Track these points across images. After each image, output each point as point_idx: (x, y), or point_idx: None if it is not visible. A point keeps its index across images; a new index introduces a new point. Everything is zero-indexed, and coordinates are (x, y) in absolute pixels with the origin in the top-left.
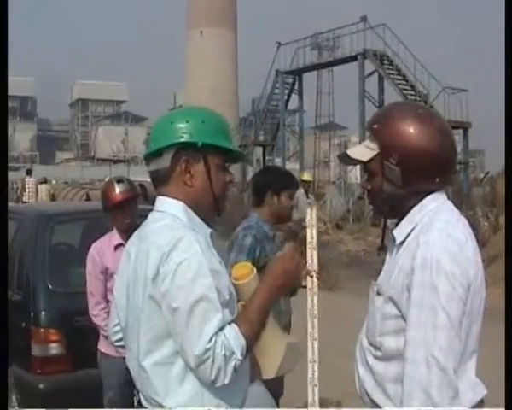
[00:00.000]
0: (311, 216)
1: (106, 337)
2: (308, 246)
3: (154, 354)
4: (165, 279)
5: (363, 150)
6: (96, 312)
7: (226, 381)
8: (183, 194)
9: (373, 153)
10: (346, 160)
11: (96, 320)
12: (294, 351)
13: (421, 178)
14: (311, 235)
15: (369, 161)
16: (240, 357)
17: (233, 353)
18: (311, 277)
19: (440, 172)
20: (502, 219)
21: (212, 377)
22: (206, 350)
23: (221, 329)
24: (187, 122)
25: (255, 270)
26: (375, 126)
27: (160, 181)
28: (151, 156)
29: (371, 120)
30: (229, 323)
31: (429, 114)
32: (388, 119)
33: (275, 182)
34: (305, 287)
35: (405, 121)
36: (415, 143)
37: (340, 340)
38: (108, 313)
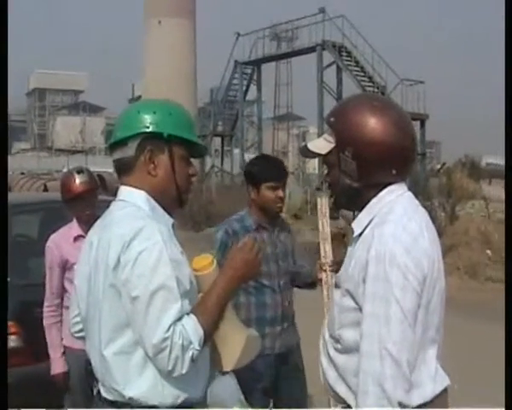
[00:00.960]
0: (321, 206)
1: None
2: (320, 236)
3: (115, 344)
4: (126, 268)
5: (322, 143)
6: (51, 308)
7: (183, 371)
8: (147, 184)
9: (330, 146)
10: (306, 152)
11: (50, 315)
12: (254, 343)
13: (376, 170)
14: (323, 225)
15: (327, 154)
16: (197, 347)
17: (191, 342)
18: (325, 270)
19: (397, 164)
20: (457, 209)
21: (170, 367)
22: (164, 339)
23: (179, 319)
24: (154, 113)
25: (215, 262)
26: (332, 119)
27: (124, 170)
28: (116, 145)
29: (329, 112)
30: (188, 313)
31: (385, 106)
32: (343, 111)
33: (254, 174)
34: (321, 280)
35: (359, 114)
36: (369, 136)
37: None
38: (62, 308)
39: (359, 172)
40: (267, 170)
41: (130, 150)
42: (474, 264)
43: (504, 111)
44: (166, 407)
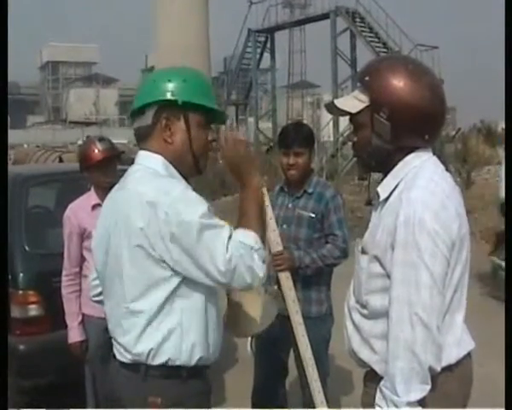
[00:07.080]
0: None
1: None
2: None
3: (138, 303)
4: (171, 221)
5: (353, 102)
6: (69, 277)
7: (261, 274)
8: (164, 151)
9: (362, 105)
10: (333, 110)
11: (68, 284)
12: (271, 308)
13: (410, 134)
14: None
15: (358, 113)
16: (257, 246)
17: (251, 247)
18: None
19: (430, 130)
20: (473, 175)
21: (249, 279)
22: (229, 260)
23: (229, 237)
24: (169, 81)
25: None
26: (367, 79)
27: (142, 138)
28: (135, 115)
29: (363, 71)
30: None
31: (421, 70)
32: (381, 72)
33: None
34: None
35: (397, 76)
36: (406, 99)
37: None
38: (80, 277)
39: (392, 135)
40: (281, 136)
41: (147, 119)
42: (489, 229)
43: (505, 108)
44: (184, 364)
